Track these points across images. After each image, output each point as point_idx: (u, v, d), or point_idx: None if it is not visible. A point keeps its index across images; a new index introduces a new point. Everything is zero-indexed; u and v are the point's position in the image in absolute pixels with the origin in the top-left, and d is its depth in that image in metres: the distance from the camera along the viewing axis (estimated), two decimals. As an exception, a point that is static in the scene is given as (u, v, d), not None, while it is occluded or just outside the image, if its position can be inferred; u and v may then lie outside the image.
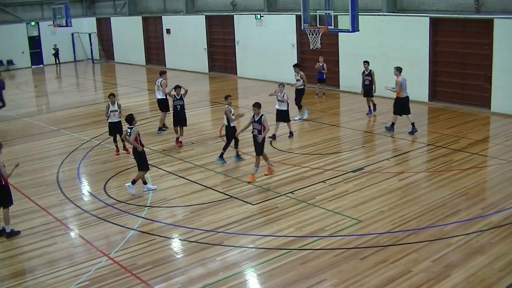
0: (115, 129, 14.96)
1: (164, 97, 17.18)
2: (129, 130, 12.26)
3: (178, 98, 15.51)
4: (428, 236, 9.56)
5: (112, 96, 15.25)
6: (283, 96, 15.72)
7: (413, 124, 16.12)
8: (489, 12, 18.41)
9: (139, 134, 12.29)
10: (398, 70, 16.08)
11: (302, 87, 17.92)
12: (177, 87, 15.61)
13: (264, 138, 12.68)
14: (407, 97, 16.21)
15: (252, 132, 12.84)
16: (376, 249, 9.16)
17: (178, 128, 15.80)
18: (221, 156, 14.07)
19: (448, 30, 19.61)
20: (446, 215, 10.37)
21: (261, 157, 12.78)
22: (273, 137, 15.86)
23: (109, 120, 15.00)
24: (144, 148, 12.41)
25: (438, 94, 20.18)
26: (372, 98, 18.52)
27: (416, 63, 20.23)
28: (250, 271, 8.78)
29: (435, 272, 8.34)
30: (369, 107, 18.67)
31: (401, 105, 16.16)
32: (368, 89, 18.27)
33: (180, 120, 15.71)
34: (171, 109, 16.45)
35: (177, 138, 15.83)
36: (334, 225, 10.20)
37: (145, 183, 12.47)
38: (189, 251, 9.49)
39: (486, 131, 16.47)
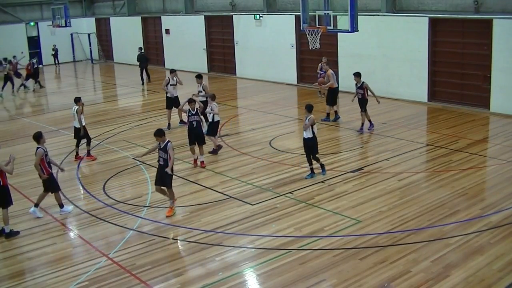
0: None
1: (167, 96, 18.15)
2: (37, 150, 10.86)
3: (194, 113, 13.70)
4: (427, 236, 9.57)
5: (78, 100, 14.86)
6: (211, 109, 14.65)
7: (328, 114, 18.00)
8: (488, 12, 18.42)
9: (46, 155, 10.95)
10: (328, 64, 18.77)
11: (205, 99, 16.67)
12: (191, 101, 13.77)
13: (172, 168, 10.97)
14: (338, 87, 18.12)
15: (158, 161, 11.11)
16: (375, 249, 9.16)
17: (195, 147, 14.00)
18: (323, 168, 12.99)
19: (448, 30, 19.62)
20: (445, 215, 10.38)
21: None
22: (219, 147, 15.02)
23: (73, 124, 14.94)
24: (51, 171, 11.20)
25: (438, 94, 20.19)
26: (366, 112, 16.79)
27: (415, 63, 20.26)
28: (249, 272, 8.78)
29: (434, 272, 8.34)
30: (363, 122, 16.79)
31: (335, 95, 17.96)
32: (362, 103, 16.66)
33: (196, 137, 13.90)
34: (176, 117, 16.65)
35: (195, 160, 14.10)
36: (333, 225, 10.21)
37: (61, 206, 11.37)
38: (188, 251, 9.50)
39: (485, 131, 16.48)
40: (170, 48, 32.72)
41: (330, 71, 17.87)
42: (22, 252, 9.78)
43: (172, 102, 18.07)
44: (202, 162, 13.95)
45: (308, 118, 12.50)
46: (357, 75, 16.63)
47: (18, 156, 15.42)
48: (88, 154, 15.03)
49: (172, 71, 18.50)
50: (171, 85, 18.09)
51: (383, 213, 10.63)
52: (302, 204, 11.26)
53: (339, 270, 8.56)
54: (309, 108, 12.60)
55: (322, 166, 13.05)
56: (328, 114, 18.13)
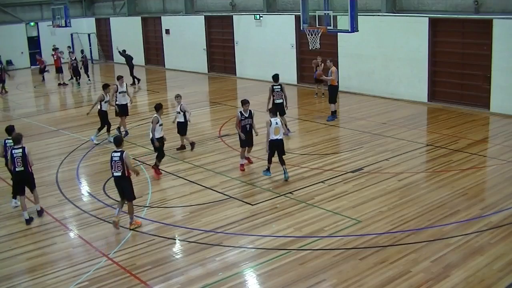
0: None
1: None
2: None
3: (247, 116, 13.14)
4: (427, 236, 9.57)
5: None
6: (179, 108, 14.91)
7: (333, 112, 18.11)
8: (488, 12, 18.42)
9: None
10: (332, 61, 18.60)
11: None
12: (246, 102, 13.29)
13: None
14: (338, 86, 18.29)
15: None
16: (375, 250, 9.16)
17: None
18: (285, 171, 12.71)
19: (448, 31, 19.62)
20: (445, 216, 10.37)
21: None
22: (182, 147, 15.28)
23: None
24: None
25: (438, 95, 20.19)
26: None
27: (415, 63, 20.25)
28: (250, 272, 8.78)
29: (434, 272, 8.34)
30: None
31: (336, 93, 18.09)
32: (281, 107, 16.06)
33: (248, 141, 13.51)
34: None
35: (243, 164, 13.58)
36: (333, 225, 10.20)
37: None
38: (188, 252, 9.49)
39: (485, 132, 16.48)
40: (170, 48, 32.71)
41: (334, 68, 18.05)
42: (22, 252, 9.77)
43: (123, 110, 17.25)
44: (249, 159, 13.78)
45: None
46: (275, 77, 16.47)
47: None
48: (156, 167, 13.45)
49: (119, 78, 17.66)
50: (119, 92, 17.15)
51: (383, 213, 10.62)
52: (302, 204, 11.26)
53: (339, 270, 8.56)
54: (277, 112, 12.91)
55: (284, 169, 12.70)
56: (332, 112, 18.16)
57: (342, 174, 12.95)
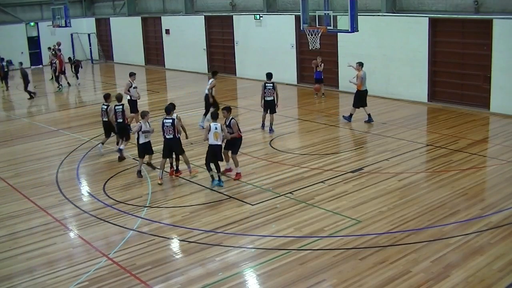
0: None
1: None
2: None
3: (227, 124, 12.62)
4: (427, 236, 9.57)
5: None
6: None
7: (369, 115, 17.54)
8: (488, 12, 18.42)
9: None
10: (360, 65, 17.26)
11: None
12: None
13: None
14: (366, 90, 17.56)
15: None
16: (375, 250, 9.16)
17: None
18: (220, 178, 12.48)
19: (448, 31, 19.62)
20: (445, 216, 10.37)
21: None
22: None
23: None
24: None
25: (438, 95, 20.19)
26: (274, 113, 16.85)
27: (415, 63, 20.26)
28: (250, 272, 8.77)
29: (434, 272, 8.34)
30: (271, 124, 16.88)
31: (361, 98, 17.50)
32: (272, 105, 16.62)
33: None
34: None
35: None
36: (333, 225, 10.20)
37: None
38: (188, 252, 9.49)
39: (485, 132, 16.48)
40: (170, 48, 32.72)
41: (361, 72, 17.13)
42: (22, 252, 9.76)
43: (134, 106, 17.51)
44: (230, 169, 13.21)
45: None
46: (268, 75, 16.63)
47: (18, 156, 15.52)
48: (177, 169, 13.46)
49: (132, 74, 17.92)
50: (134, 88, 17.59)
51: (383, 213, 10.62)
52: (302, 204, 11.25)
53: (339, 270, 8.56)
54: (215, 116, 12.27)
55: (219, 176, 12.43)
56: (351, 115, 17.87)
57: (342, 174, 12.95)
